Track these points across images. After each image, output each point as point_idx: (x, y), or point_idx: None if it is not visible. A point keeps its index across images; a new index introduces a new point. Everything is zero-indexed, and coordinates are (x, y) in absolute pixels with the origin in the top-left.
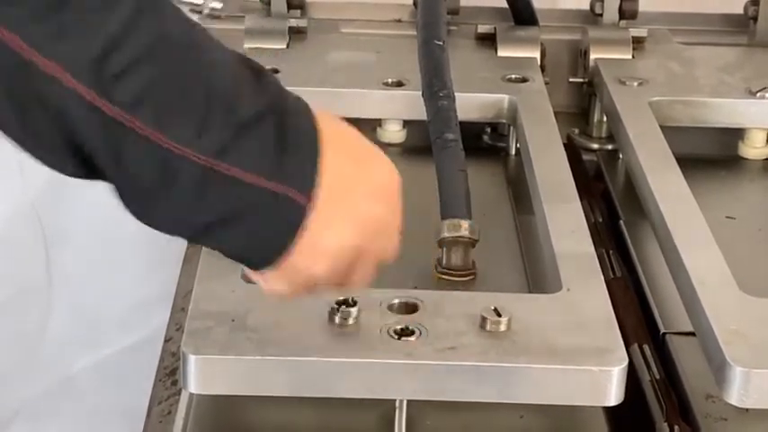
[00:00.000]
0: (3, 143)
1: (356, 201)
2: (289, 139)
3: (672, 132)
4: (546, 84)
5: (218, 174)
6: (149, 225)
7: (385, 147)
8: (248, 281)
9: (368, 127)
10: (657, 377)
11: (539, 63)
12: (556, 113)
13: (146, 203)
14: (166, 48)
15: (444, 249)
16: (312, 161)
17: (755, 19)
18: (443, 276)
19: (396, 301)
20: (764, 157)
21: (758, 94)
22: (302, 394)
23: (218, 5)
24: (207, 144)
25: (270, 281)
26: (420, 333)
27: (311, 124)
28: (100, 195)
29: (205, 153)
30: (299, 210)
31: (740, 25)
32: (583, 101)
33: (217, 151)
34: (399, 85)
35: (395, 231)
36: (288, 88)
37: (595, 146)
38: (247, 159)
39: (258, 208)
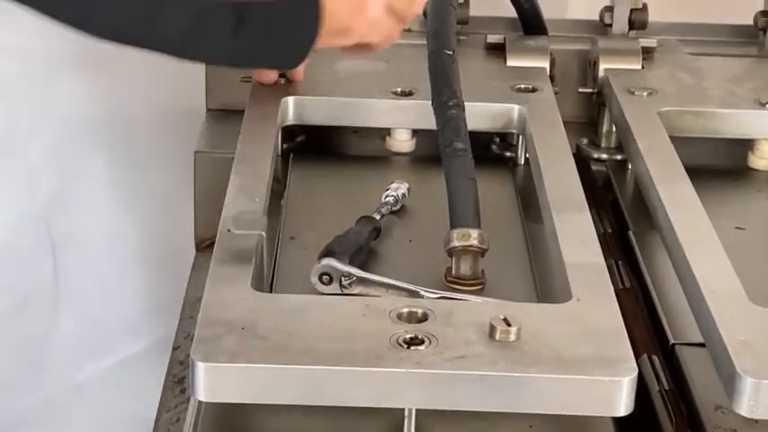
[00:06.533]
0: (9, 152)
1: None
2: None
3: (681, 143)
4: (555, 94)
5: None
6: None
7: (394, 156)
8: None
9: (377, 136)
10: (667, 388)
11: (548, 73)
12: (565, 123)
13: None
14: None
15: (453, 258)
16: None
17: (765, 30)
18: (453, 285)
19: (405, 310)
20: None
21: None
22: (311, 403)
23: None
24: None
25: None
26: (429, 342)
27: None
28: (107, 202)
29: None
30: None
31: (750, 36)
32: (592, 111)
33: None
34: (409, 94)
35: None
36: (298, 97)
37: (604, 156)
38: None
39: None
